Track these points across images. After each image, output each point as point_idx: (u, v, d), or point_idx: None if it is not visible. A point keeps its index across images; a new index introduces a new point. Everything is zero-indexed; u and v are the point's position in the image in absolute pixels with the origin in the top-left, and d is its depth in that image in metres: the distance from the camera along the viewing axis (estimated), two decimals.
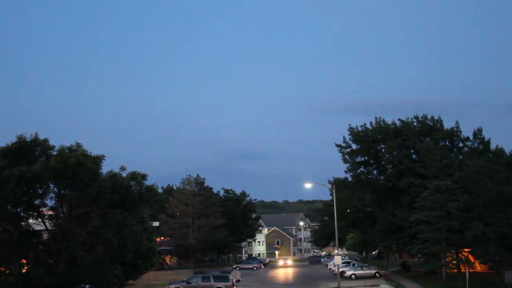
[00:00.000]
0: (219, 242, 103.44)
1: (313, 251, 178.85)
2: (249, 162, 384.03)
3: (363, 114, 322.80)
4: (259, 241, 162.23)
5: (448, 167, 58.45)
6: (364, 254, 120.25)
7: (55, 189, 44.64)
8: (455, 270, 54.47)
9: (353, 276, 73.64)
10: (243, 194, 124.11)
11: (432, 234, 52.16)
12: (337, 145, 71.83)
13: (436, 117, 68.38)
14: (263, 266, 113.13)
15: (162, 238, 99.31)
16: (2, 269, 44.34)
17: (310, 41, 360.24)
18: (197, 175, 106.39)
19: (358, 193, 78.30)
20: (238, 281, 69.67)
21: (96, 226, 44.08)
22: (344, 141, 71.41)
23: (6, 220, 43.57)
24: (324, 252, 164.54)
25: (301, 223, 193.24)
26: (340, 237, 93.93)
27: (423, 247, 54.15)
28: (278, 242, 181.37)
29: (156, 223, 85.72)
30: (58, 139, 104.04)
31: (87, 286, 46.42)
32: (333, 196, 74.15)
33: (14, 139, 43.92)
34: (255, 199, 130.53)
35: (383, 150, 70.58)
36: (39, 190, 43.84)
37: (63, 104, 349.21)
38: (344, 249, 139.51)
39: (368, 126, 70.80)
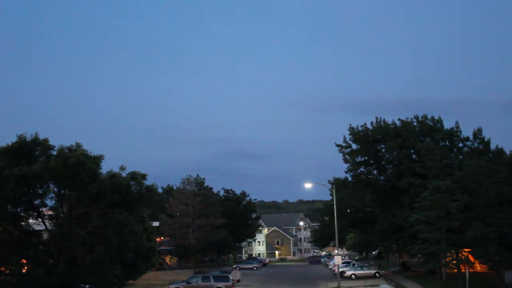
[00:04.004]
0: (219, 242, 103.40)
1: (313, 251, 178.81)
2: (249, 162, 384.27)
3: (364, 113, 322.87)
4: (259, 241, 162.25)
5: (448, 167, 58.45)
6: (364, 254, 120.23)
7: (55, 189, 44.70)
8: (455, 270, 54.46)
9: (353, 276, 73.73)
10: (243, 194, 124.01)
11: (432, 234, 52.14)
12: (337, 145, 71.87)
13: (436, 117, 68.47)
14: (263, 266, 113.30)
15: (162, 238, 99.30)
16: (2, 269, 44.41)
17: (310, 40, 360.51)
18: (197, 175, 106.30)
19: (358, 193, 78.26)
20: (238, 281, 69.69)
21: (96, 226, 44.07)
22: (344, 141, 71.48)
23: (6, 220, 43.61)
24: (324, 252, 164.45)
25: (301, 223, 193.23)
26: (340, 237, 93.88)
27: (423, 247, 54.14)
28: (278, 242, 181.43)
29: (156, 223, 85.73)
30: (58, 139, 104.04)
31: (87, 286, 46.48)
32: (333, 196, 74.14)
33: (14, 139, 44.05)
34: (255, 199, 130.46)
35: (383, 150, 70.61)
36: (39, 190, 43.88)
37: (63, 104, 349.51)
38: (344, 249, 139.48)
39: (369, 126, 70.85)
